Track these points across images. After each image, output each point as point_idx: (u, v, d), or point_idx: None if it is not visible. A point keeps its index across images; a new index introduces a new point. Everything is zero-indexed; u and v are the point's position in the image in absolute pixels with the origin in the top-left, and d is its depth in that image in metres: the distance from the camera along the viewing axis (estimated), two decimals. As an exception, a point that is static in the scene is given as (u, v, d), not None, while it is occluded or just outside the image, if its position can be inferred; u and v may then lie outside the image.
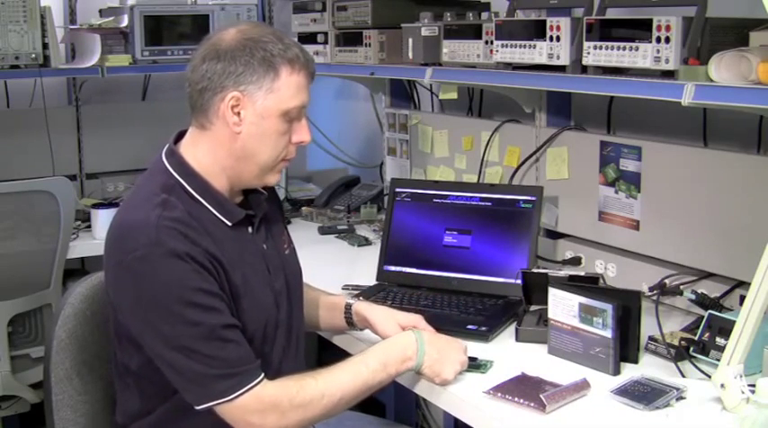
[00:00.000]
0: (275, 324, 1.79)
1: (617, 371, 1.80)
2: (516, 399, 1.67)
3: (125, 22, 3.36)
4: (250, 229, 1.80)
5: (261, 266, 1.79)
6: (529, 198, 2.32)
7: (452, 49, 2.46)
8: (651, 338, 1.90)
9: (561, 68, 2.11)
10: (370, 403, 2.30)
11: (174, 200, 1.67)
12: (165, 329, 1.61)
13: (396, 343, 1.80)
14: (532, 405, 1.64)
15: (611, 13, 2.06)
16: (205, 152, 1.73)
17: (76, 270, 3.14)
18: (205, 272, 1.63)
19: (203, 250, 1.64)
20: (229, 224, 1.73)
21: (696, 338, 1.83)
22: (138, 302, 1.63)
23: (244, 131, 1.69)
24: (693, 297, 2.02)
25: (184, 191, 1.70)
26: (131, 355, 1.72)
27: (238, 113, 1.68)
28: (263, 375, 1.65)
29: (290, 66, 1.69)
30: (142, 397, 1.76)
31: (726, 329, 1.73)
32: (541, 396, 1.64)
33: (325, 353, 1.89)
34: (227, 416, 1.64)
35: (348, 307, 2.01)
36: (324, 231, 3.11)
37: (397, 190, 2.51)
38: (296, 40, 3.18)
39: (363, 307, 1.99)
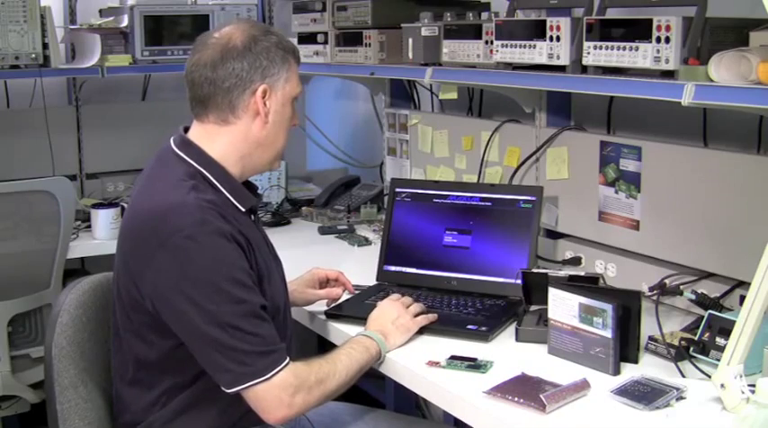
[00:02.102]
0: (286, 306, 1.91)
1: (617, 371, 1.80)
2: (516, 399, 1.67)
3: (125, 22, 3.36)
4: (252, 217, 1.89)
5: (268, 252, 1.89)
6: (529, 198, 2.32)
7: (452, 49, 2.46)
8: (651, 338, 1.90)
9: (561, 68, 2.11)
10: (371, 404, 2.30)
11: (200, 185, 1.75)
12: (211, 307, 1.65)
13: (363, 338, 1.94)
14: (532, 405, 1.64)
15: (611, 13, 2.06)
16: (224, 144, 1.81)
17: (76, 270, 3.14)
18: (243, 253, 1.72)
19: (238, 231, 1.73)
20: (243, 210, 1.82)
21: (696, 338, 1.83)
22: (184, 281, 1.66)
23: (270, 120, 1.81)
24: (693, 297, 2.02)
25: (204, 179, 1.78)
26: (152, 345, 1.75)
27: (265, 103, 1.79)
28: (288, 357, 1.72)
29: (293, 55, 1.84)
30: (159, 393, 1.78)
31: (726, 329, 1.73)
32: (541, 396, 1.64)
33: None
34: (259, 396, 1.68)
35: None
36: (324, 231, 3.11)
37: (397, 190, 2.51)
38: (296, 40, 3.22)
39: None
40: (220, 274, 1.66)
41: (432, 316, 2.05)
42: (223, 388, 1.69)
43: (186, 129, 1.85)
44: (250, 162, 1.84)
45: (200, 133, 1.82)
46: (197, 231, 1.66)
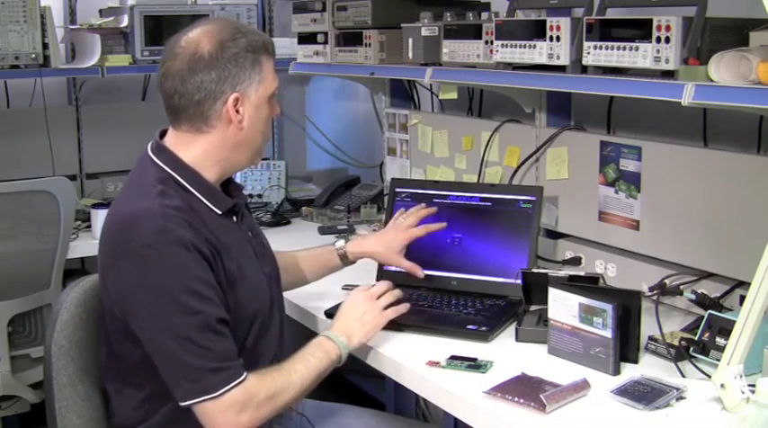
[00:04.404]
0: (271, 306, 1.88)
1: (617, 371, 1.80)
2: (516, 399, 1.67)
3: (125, 22, 3.36)
4: (235, 218, 1.87)
5: (250, 252, 1.87)
6: (529, 198, 2.32)
7: (452, 49, 2.46)
8: (651, 338, 1.90)
9: (561, 68, 2.11)
10: (371, 404, 2.30)
11: (170, 190, 1.74)
12: (166, 317, 1.64)
13: (325, 340, 1.89)
14: (532, 405, 1.64)
15: (611, 13, 2.06)
16: (199, 150, 1.79)
17: (76, 270, 3.14)
18: (205, 263, 1.69)
19: (204, 239, 1.70)
20: (219, 212, 1.80)
21: (696, 338, 1.83)
22: (141, 290, 1.66)
23: (246, 125, 1.78)
24: (693, 297, 2.02)
25: (176, 183, 1.76)
26: (131, 352, 1.74)
27: (238, 111, 1.76)
28: (245, 372, 1.69)
29: (265, 53, 1.80)
30: (142, 397, 1.77)
31: (726, 329, 1.73)
32: (541, 396, 1.64)
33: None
34: (207, 413, 1.66)
35: (341, 249, 2.26)
36: (324, 231, 3.11)
37: (397, 190, 2.51)
38: (296, 40, 3.22)
39: (357, 245, 2.26)
40: (177, 284, 1.65)
41: (402, 308, 2.02)
42: (177, 401, 1.68)
43: (164, 133, 1.84)
44: (228, 164, 1.82)
45: (174, 140, 1.80)
46: (157, 240, 1.65)
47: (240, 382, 1.67)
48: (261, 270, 1.89)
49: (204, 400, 1.65)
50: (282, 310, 1.96)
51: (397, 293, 2.05)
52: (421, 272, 2.27)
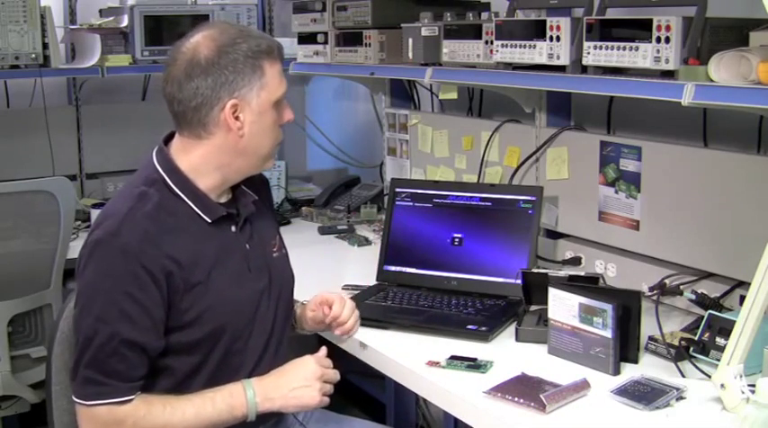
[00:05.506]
0: (249, 321, 1.80)
1: (617, 371, 1.80)
2: (516, 399, 1.67)
3: (125, 22, 3.36)
4: (233, 228, 1.82)
5: (239, 265, 1.80)
6: (529, 198, 2.32)
7: (452, 49, 2.46)
8: (651, 338, 1.90)
9: (561, 68, 2.11)
10: (371, 404, 2.30)
11: (152, 192, 1.72)
12: (83, 313, 1.67)
13: (238, 394, 1.75)
14: (532, 405, 1.64)
15: (611, 13, 2.06)
16: (198, 156, 1.76)
17: (76, 270, 3.14)
18: (146, 279, 1.65)
19: (160, 253, 1.67)
20: (209, 220, 1.76)
21: (696, 338, 1.83)
22: (79, 279, 1.70)
23: (246, 132, 1.74)
24: (693, 297, 2.02)
25: (165, 186, 1.74)
26: None
27: (237, 117, 1.72)
28: (131, 397, 1.66)
29: (269, 58, 1.75)
30: None
31: (726, 329, 1.73)
32: (541, 396, 1.64)
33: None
34: (78, 413, 1.69)
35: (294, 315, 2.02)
36: (324, 231, 3.11)
37: (397, 190, 2.51)
38: (296, 40, 3.22)
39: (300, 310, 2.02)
40: (102, 290, 1.65)
41: (325, 401, 1.83)
42: None
43: (172, 134, 1.82)
44: (230, 170, 1.78)
45: (178, 144, 1.79)
46: (105, 240, 1.66)
47: (112, 403, 1.64)
48: (253, 284, 1.81)
49: (77, 403, 1.68)
50: (274, 329, 1.85)
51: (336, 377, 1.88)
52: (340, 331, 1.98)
